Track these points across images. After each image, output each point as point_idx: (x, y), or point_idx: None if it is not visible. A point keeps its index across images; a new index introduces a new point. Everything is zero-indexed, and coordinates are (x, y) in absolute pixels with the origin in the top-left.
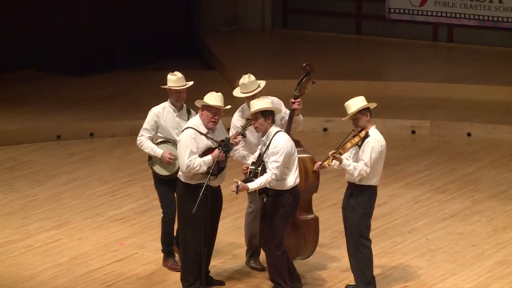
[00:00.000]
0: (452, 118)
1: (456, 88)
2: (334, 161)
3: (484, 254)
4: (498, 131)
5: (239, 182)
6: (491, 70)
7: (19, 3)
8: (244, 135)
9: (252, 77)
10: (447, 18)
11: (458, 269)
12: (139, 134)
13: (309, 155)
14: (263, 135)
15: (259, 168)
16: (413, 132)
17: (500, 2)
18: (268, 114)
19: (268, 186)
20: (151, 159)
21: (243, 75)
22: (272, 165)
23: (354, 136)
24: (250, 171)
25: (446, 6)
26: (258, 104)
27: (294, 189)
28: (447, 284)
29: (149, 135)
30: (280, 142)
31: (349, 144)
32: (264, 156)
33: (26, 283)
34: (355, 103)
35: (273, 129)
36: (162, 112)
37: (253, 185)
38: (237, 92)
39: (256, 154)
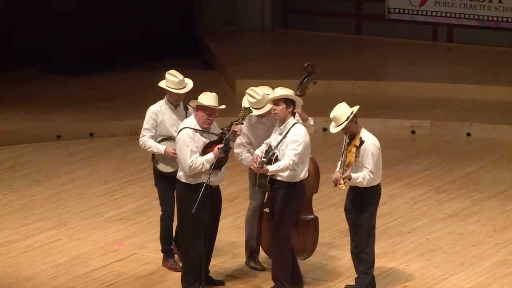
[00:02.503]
0: (451, 118)
1: (456, 88)
2: (345, 181)
3: (484, 254)
4: (497, 131)
5: (264, 159)
6: (491, 70)
7: (20, 3)
8: (241, 123)
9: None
10: (447, 18)
11: (458, 269)
12: (141, 135)
13: (310, 155)
14: (281, 124)
15: (272, 158)
16: (413, 132)
17: (500, 2)
18: (290, 103)
19: (279, 175)
20: (154, 157)
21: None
22: (291, 152)
23: (350, 147)
24: (263, 158)
25: (446, 6)
26: (282, 91)
27: (302, 182)
28: (447, 284)
29: (151, 134)
30: (300, 132)
31: (352, 159)
32: (280, 144)
33: (26, 283)
34: (343, 113)
35: (292, 119)
36: (159, 110)
37: (272, 168)
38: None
39: (263, 147)
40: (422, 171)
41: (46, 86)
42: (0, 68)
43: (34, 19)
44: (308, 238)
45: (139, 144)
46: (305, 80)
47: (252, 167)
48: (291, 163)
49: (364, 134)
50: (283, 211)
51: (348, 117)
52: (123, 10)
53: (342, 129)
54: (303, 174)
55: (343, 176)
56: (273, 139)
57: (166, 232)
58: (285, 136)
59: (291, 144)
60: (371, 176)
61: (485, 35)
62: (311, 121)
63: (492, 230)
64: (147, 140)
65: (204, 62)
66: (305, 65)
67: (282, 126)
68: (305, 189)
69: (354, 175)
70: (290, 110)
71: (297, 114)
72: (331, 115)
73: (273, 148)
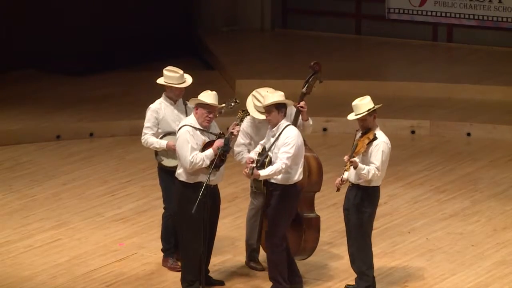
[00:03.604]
0: (451, 118)
1: (456, 88)
2: (351, 167)
3: (484, 254)
4: (497, 131)
5: (254, 165)
6: (491, 70)
7: (20, 3)
8: (239, 124)
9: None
10: (447, 18)
11: (457, 269)
12: (143, 133)
13: (314, 154)
14: (273, 127)
15: (266, 160)
16: (413, 132)
17: (500, 2)
18: (281, 107)
19: (273, 177)
20: (158, 154)
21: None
22: (283, 155)
23: (363, 139)
24: (257, 160)
25: (445, 6)
26: (272, 97)
27: (297, 185)
28: (447, 284)
29: (153, 132)
30: (292, 134)
31: (362, 149)
32: (273, 147)
33: (26, 283)
34: (364, 104)
35: (284, 122)
36: (160, 108)
37: (264, 172)
38: (255, 113)
39: (257, 148)
40: (422, 171)
41: (46, 86)
42: (0, 68)
43: (34, 19)
44: (309, 237)
45: (139, 144)
46: (311, 79)
47: (243, 172)
48: (283, 166)
49: (379, 132)
50: (277, 212)
51: (369, 109)
52: (123, 10)
53: (360, 119)
54: (297, 176)
55: (351, 160)
56: (267, 141)
57: (166, 229)
58: (277, 139)
59: (283, 147)
60: (377, 173)
61: (485, 35)
62: (310, 121)
63: (492, 230)
64: (149, 137)
65: (204, 62)
66: (312, 63)
67: (275, 129)
68: (299, 191)
69: (360, 165)
70: (282, 114)
71: (293, 114)
72: (353, 103)
73: (267, 150)
